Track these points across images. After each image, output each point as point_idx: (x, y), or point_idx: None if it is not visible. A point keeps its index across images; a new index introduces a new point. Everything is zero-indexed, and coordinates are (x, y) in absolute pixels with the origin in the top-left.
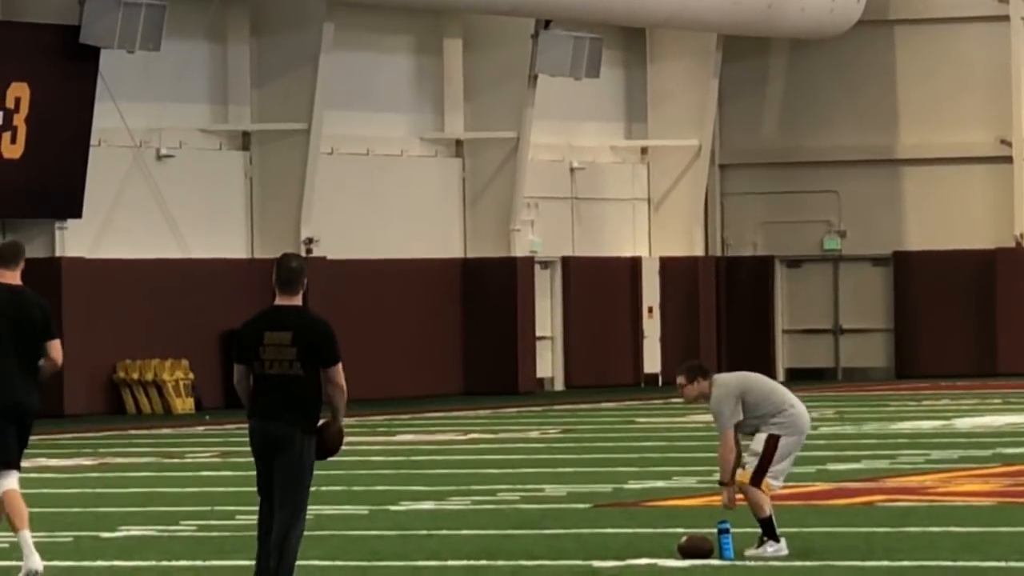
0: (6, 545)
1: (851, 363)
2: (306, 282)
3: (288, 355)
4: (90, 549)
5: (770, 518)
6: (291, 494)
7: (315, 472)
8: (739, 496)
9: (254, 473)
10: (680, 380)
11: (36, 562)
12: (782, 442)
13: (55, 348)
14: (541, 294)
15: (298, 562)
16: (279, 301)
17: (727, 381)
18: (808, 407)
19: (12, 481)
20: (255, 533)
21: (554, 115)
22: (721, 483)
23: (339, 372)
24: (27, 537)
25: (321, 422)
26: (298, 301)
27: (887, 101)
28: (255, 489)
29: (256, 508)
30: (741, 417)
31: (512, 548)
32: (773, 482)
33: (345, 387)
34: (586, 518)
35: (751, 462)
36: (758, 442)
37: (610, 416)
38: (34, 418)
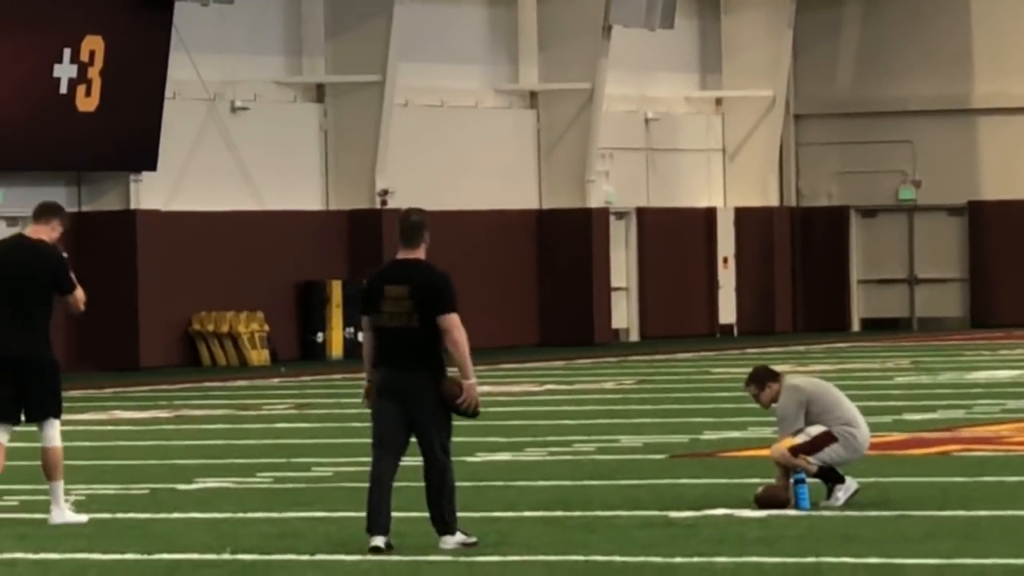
0: (83, 497)
1: (926, 313)
2: (428, 236)
3: (406, 308)
4: (167, 501)
5: (822, 469)
6: (439, 436)
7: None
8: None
9: (330, 425)
10: (753, 390)
11: None
12: (834, 447)
13: (73, 299)
14: (616, 245)
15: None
16: (400, 255)
17: (797, 387)
18: (883, 357)
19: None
20: (331, 484)
21: (629, 66)
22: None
23: (451, 321)
24: None
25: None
26: (420, 254)
27: (962, 49)
28: (344, 440)
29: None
30: (802, 426)
31: (588, 499)
32: (812, 458)
33: (460, 338)
34: (662, 469)
35: (800, 438)
36: (816, 428)
37: (685, 367)
38: (35, 369)
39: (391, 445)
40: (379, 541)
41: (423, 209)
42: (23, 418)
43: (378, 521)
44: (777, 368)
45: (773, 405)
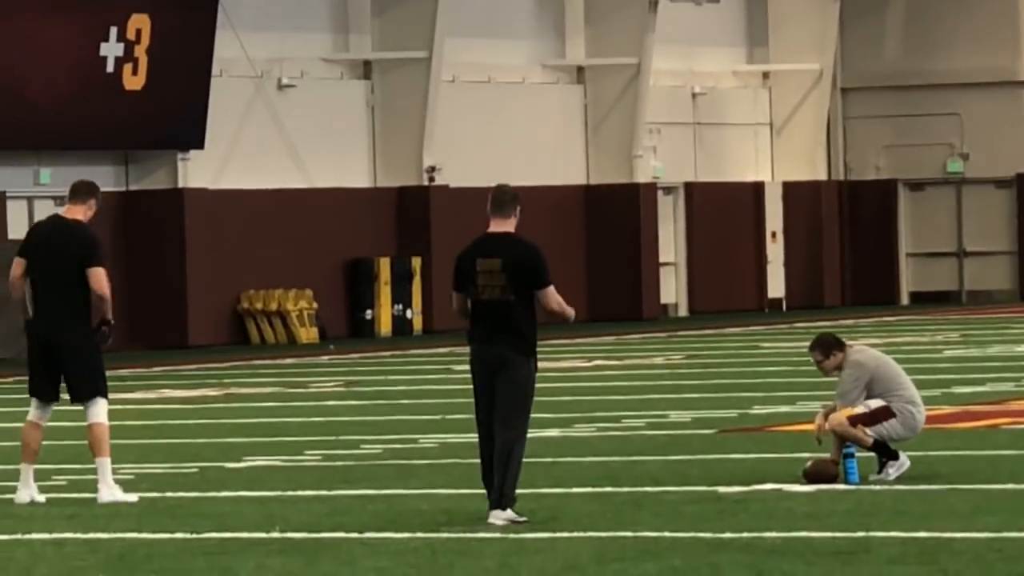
0: (132, 476)
1: (975, 286)
2: (519, 209)
3: (499, 281)
4: (216, 480)
5: (876, 444)
6: (513, 415)
7: (433, 400)
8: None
9: (378, 402)
10: (817, 356)
11: (25, 495)
12: (892, 423)
13: (93, 276)
14: (664, 220)
15: (428, 490)
16: (492, 228)
17: (861, 363)
18: (932, 330)
19: (34, 412)
20: (380, 462)
21: (675, 40)
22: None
23: (549, 295)
24: (29, 471)
25: None
26: (511, 227)
27: (1010, 22)
28: (393, 418)
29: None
30: (863, 400)
31: (637, 474)
32: (869, 430)
33: (559, 307)
34: (711, 444)
35: (859, 408)
36: (876, 401)
37: (734, 341)
38: (74, 350)
39: (492, 418)
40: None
41: (509, 185)
42: (68, 398)
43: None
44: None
45: (834, 374)
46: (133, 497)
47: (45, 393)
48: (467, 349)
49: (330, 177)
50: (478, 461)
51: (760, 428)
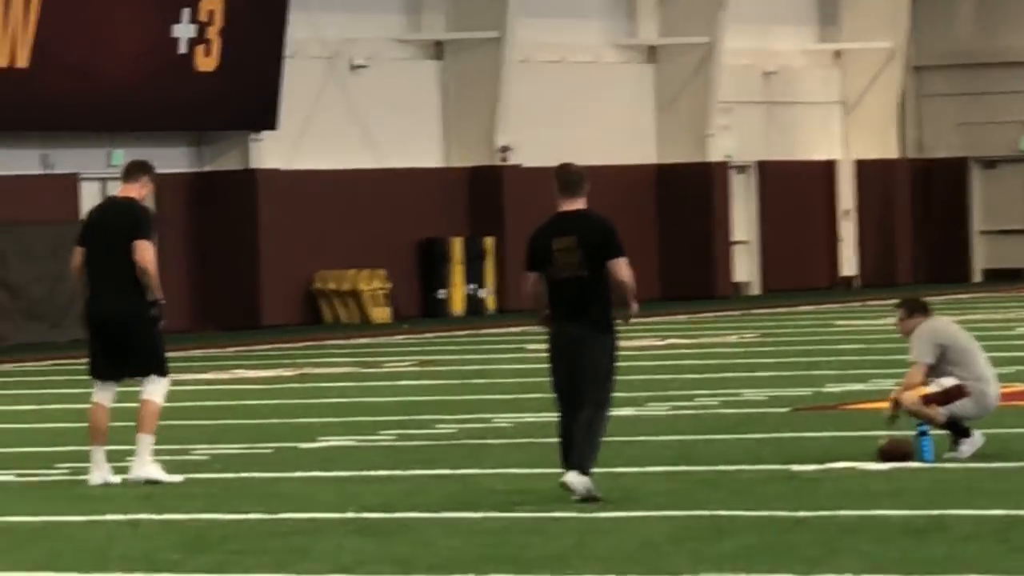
0: (206, 457)
1: None
2: (587, 186)
3: (575, 258)
4: (290, 460)
5: (949, 422)
6: (595, 391)
7: (507, 380)
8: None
9: (452, 382)
10: (901, 314)
11: (98, 477)
12: (965, 402)
13: (138, 248)
14: (736, 198)
15: (502, 469)
16: (563, 207)
17: (936, 328)
18: (1005, 308)
19: (98, 394)
20: (455, 442)
21: (747, 19)
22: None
23: (620, 266)
24: (100, 453)
25: None
26: (581, 204)
27: None
28: (468, 397)
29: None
30: (933, 361)
31: (711, 453)
32: (941, 409)
33: (630, 280)
34: (785, 422)
35: (932, 387)
36: (949, 380)
37: (808, 319)
38: (131, 328)
39: (573, 397)
40: (578, 488)
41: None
42: (126, 376)
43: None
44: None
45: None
46: (178, 478)
47: (106, 374)
48: (540, 329)
49: (402, 157)
50: (552, 440)
51: (834, 406)
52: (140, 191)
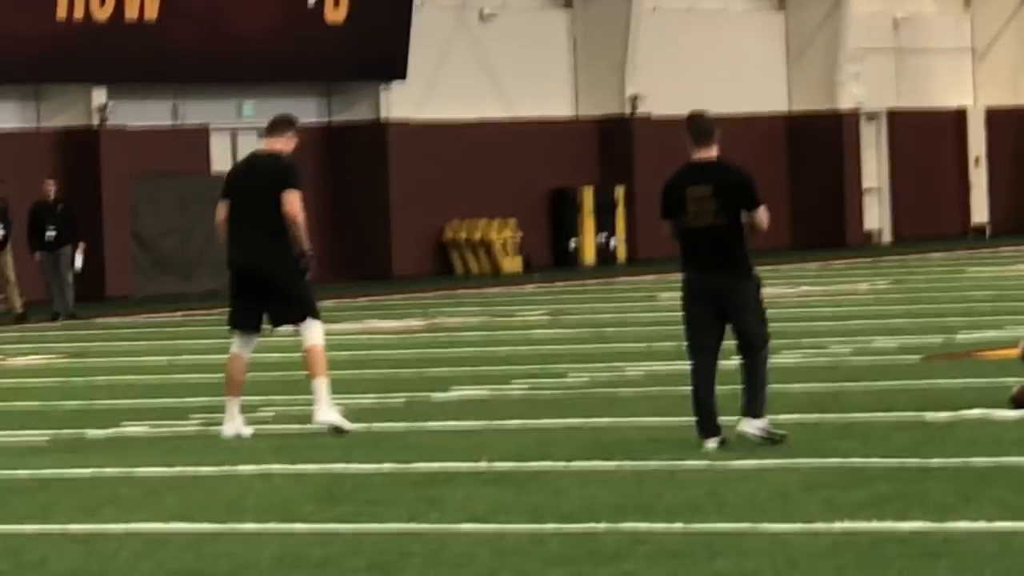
0: (338, 408)
1: None
2: (719, 134)
3: (711, 207)
4: (422, 411)
5: None
6: (753, 335)
7: (639, 329)
8: None
9: (584, 331)
10: None
11: (231, 429)
12: None
13: (287, 198)
14: (867, 146)
15: (634, 419)
16: (696, 155)
17: None
18: None
19: (237, 345)
20: (586, 391)
21: None
22: None
23: (762, 214)
24: (234, 405)
25: None
26: (714, 153)
27: None
28: (599, 347)
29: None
30: None
31: (843, 401)
32: None
33: (767, 227)
34: (916, 370)
35: None
36: None
37: (939, 267)
38: (277, 278)
39: (708, 348)
40: (712, 444)
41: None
42: (269, 328)
43: (707, 425)
44: None
45: None
46: (350, 425)
47: (246, 325)
48: (674, 277)
49: (532, 107)
50: (685, 389)
51: (966, 353)
52: (286, 145)
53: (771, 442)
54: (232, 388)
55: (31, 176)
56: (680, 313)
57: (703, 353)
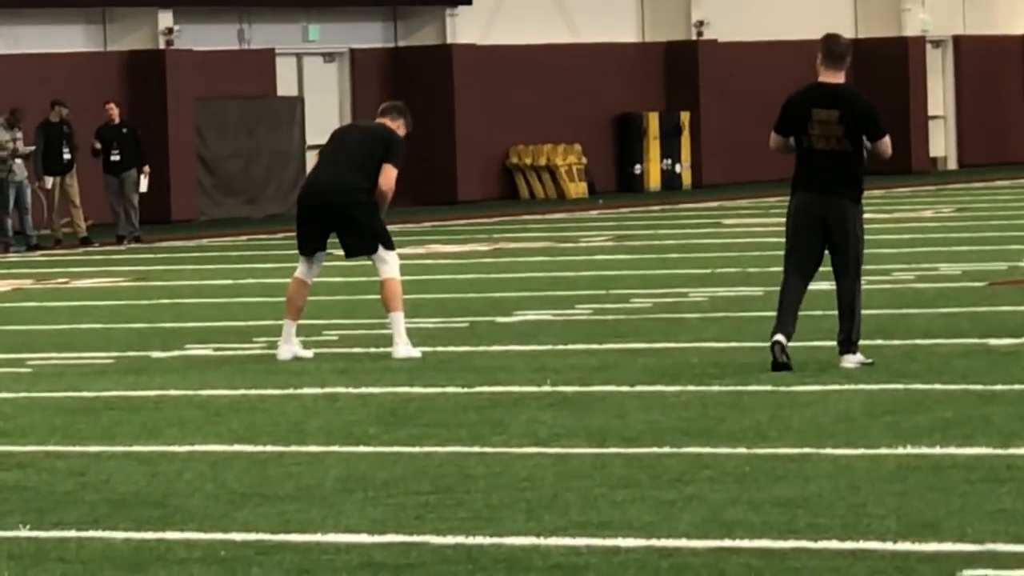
0: None
1: None
2: (849, 60)
3: (836, 132)
4: (486, 334)
5: None
6: (849, 260)
7: (703, 254)
8: None
9: (648, 256)
10: None
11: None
12: None
13: (386, 170)
14: (932, 73)
15: (698, 343)
16: (824, 78)
17: None
18: None
19: (301, 269)
20: (650, 316)
21: None
22: None
23: (887, 144)
24: (292, 327)
25: None
26: (842, 78)
27: None
28: (663, 271)
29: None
30: None
31: (907, 327)
32: None
33: (889, 155)
34: (981, 296)
35: None
36: None
37: (1004, 194)
38: (349, 210)
39: (805, 268)
40: (780, 337)
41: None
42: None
43: (784, 321)
44: None
45: None
46: (418, 352)
47: (314, 249)
48: (736, 203)
49: (598, 32)
50: (749, 314)
51: None
52: (396, 127)
53: (867, 365)
54: (291, 311)
55: (98, 99)
56: (784, 230)
57: (798, 275)
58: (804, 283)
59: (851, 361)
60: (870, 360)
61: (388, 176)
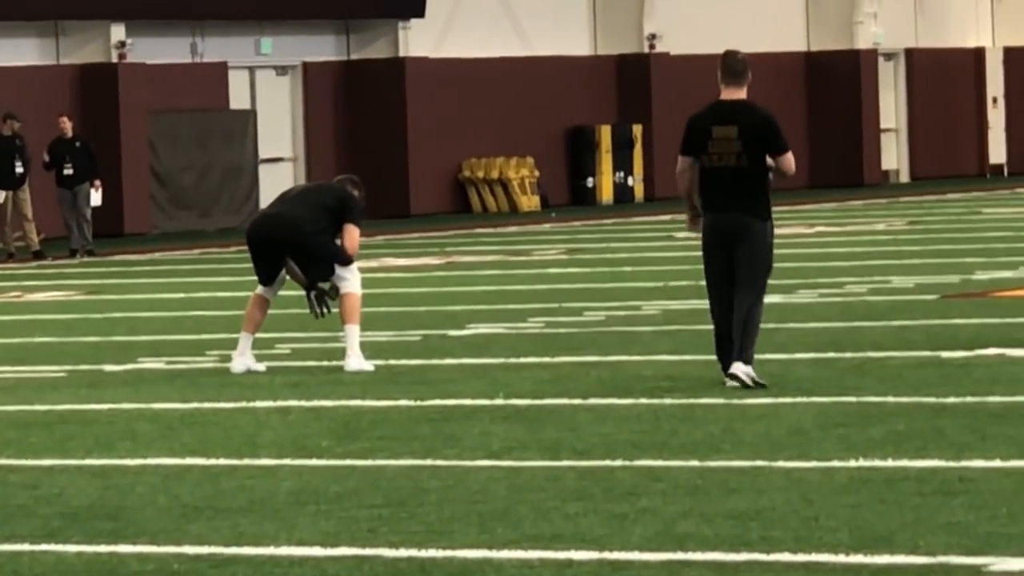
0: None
1: None
2: (750, 76)
3: (735, 148)
4: (439, 347)
5: None
6: (754, 279)
7: (655, 268)
8: None
9: (600, 269)
10: None
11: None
12: None
13: (346, 232)
14: (885, 86)
15: (651, 356)
16: (724, 95)
17: None
18: None
19: (263, 289)
20: (603, 329)
21: None
22: None
23: (788, 159)
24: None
25: None
26: (743, 94)
27: None
28: (616, 285)
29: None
30: None
31: (860, 340)
32: None
33: (792, 172)
34: (934, 309)
35: None
36: None
37: (956, 207)
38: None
39: (726, 288)
40: (738, 369)
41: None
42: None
43: (726, 358)
44: None
45: None
46: (371, 366)
47: (271, 278)
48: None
49: (551, 45)
50: (700, 327)
51: (983, 293)
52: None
53: (756, 387)
54: (249, 324)
55: (50, 112)
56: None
57: (718, 292)
58: (730, 304)
59: (741, 370)
60: (763, 382)
61: (352, 237)
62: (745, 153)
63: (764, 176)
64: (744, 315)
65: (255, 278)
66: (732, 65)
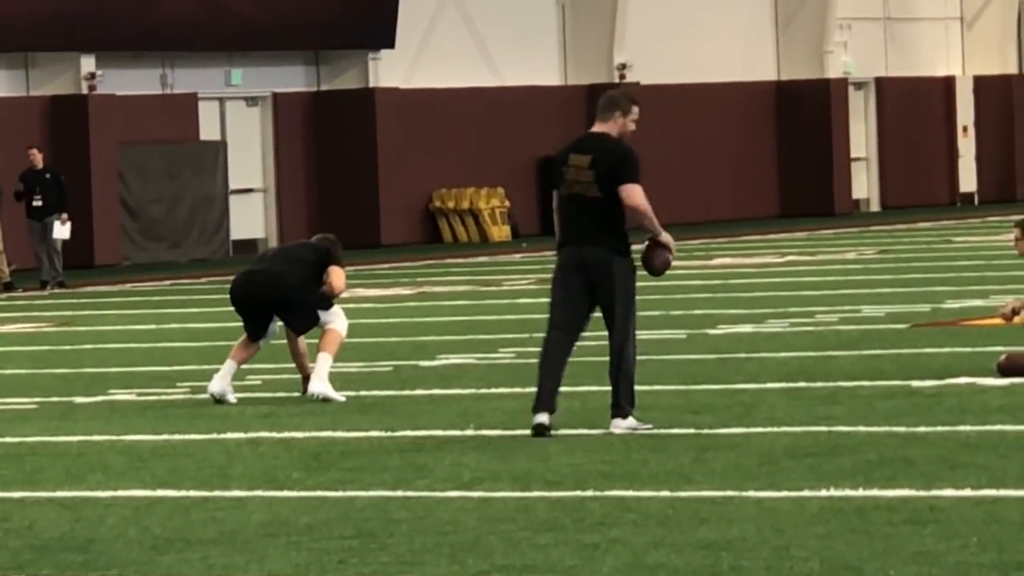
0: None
1: None
2: (624, 117)
3: (586, 176)
4: (410, 377)
5: None
6: (616, 316)
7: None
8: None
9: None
10: (1017, 233)
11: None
12: None
13: (335, 273)
14: (855, 115)
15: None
16: (592, 128)
17: None
18: None
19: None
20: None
21: None
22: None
23: (631, 191)
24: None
25: (646, 243)
26: (609, 128)
27: None
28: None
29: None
30: None
31: (830, 369)
32: None
33: (642, 203)
34: (904, 338)
35: None
36: None
37: (926, 236)
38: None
39: (571, 324)
40: (543, 419)
41: (631, 92)
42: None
43: (544, 396)
44: None
45: None
46: (341, 397)
47: (260, 333)
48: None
49: (521, 75)
50: (670, 358)
51: (953, 322)
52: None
53: (646, 430)
54: (237, 355)
55: (20, 144)
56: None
57: (560, 332)
58: (568, 342)
59: (620, 427)
60: (648, 425)
61: (338, 275)
62: (597, 182)
63: (618, 210)
64: (616, 358)
65: (228, 309)
66: (602, 100)
